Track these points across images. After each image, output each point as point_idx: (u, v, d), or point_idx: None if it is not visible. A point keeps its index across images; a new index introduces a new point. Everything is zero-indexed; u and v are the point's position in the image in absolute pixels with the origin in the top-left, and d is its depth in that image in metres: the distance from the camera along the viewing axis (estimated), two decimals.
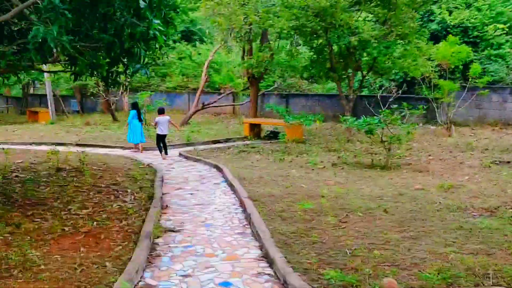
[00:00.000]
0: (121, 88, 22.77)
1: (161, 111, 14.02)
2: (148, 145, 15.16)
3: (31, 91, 35.39)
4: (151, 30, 6.65)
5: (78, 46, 6.31)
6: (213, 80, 27.08)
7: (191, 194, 8.86)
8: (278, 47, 14.52)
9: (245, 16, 13.63)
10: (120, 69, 8.18)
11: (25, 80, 30.37)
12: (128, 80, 7.58)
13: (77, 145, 16.33)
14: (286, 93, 24.80)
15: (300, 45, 19.00)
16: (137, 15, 6.43)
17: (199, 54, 30.61)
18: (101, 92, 22.76)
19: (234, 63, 27.80)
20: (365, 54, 15.86)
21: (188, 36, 36.60)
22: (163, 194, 8.80)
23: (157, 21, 6.57)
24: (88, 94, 26.58)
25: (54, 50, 6.22)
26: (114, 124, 22.90)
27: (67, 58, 7.75)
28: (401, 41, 15.80)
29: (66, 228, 6.40)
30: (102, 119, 24.83)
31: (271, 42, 16.93)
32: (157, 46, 7.71)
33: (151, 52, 8.13)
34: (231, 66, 27.15)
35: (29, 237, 5.96)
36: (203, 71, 23.19)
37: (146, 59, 7.80)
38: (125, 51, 7.35)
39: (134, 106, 15.34)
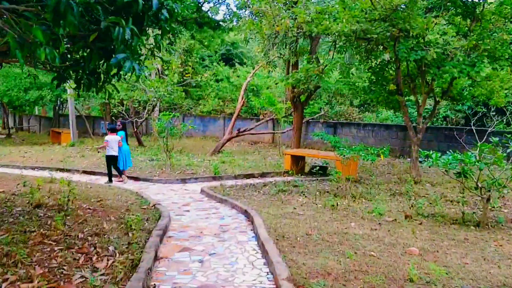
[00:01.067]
0: (145, 109, 20.22)
1: (113, 130, 12.62)
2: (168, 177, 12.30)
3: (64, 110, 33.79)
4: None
5: None
6: (252, 105, 24.29)
7: (201, 262, 5.76)
8: (331, 61, 11.40)
9: (293, 17, 10.69)
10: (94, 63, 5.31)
11: (53, 98, 28.69)
12: (112, 81, 5.05)
13: (83, 172, 13.71)
14: (334, 121, 21.59)
15: (350, 64, 15.93)
16: None
17: (238, 76, 28.02)
18: (123, 112, 20.26)
19: (276, 85, 24.99)
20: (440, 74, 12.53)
21: (228, 59, 34.31)
22: (157, 259, 5.78)
23: None
24: (115, 114, 24.20)
25: None
26: (138, 149, 20.32)
27: None
28: (487, 59, 12.43)
29: None
30: (128, 144, 22.32)
31: (319, 57, 13.89)
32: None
33: (145, 38, 5.27)
34: (272, 88, 24.32)
35: None
36: (240, 94, 20.43)
37: (137, 47, 4.94)
38: (100, 31, 4.54)
39: (124, 127, 13.28)
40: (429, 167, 13.12)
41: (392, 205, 9.52)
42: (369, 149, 10.25)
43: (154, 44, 5.72)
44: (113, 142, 12.25)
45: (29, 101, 23.23)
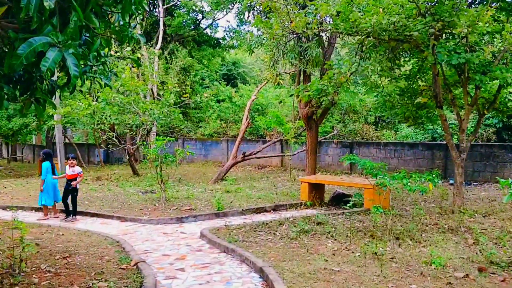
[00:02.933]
0: (139, 134, 18.08)
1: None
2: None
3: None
4: None
5: None
6: (257, 126, 22.14)
7: None
8: (357, 68, 9.16)
9: (312, 12, 8.50)
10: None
11: (44, 125, 26.74)
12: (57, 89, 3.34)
13: (61, 211, 11.49)
14: (349, 141, 19.36)
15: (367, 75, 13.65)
16: None
17: (241, 96, 25.95)
18: (113, 139, 18.09)
19: (280, 104, 22.90)
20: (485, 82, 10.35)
21: (230, 79, 32.40)
22: None
23: None
24: (108, 142, 22.07)
25: None
26: (132, 179, 18.13)
27: None
28: None
29: None
30: (122, 173, 20.18)
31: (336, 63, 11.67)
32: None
33: (103, 26, 3.14)
34: (278, 106, 22.21)
35: None
36: (245, 114, 18.31)
37: (74, 27, 2.81)
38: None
39: (48, 156, 11.10)
40: (456, 193, 11.05)
41: (450, 250, 7.26)
42: (413, 176, 8.00)
43: (113, 28, 3.56)
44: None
45: (13, 129, 21.14)
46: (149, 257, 7.23)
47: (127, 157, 19.62)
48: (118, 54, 13.54)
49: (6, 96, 3.40)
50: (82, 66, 3.58)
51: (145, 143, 17.47)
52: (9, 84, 3.40)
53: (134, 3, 3.28)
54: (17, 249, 6.29)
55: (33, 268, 6.26)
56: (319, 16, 8.60)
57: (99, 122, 17.99)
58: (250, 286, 5.80)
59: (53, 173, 11.01)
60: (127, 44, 5.81)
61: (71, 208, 10.73)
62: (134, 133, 18.84)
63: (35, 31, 3.38)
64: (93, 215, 10.96)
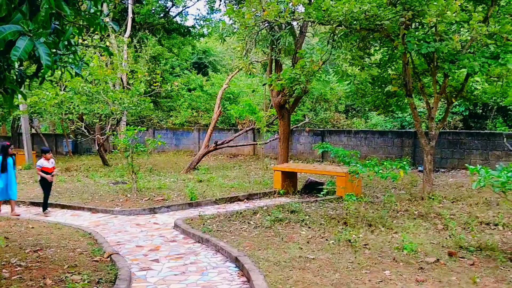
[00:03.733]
0: (108, 123, 17.75)
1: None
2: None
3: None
4: None
5: None
6: (229, 114, 22.05)
7: None
8: (330, 57, 9.21)
9: (284, 1, 8.46)
10: None
11: (10, 115, 25.96)
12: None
13: (31, 203, 11.24)
14: (321, 129, 19.51)
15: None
16: None
17: (212, 84, 25.74)
18: (82, 129, 17.71)
19: (253, 92, 22.86)
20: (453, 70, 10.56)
21: (200, 67, 32.08)
22: None
23: None
24: (77, 132, 21.57)
25: None
26: (102, 169, 17.82)
27: None
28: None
29: None
30: (92, 163, 19.81)
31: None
32: None
33: (73, 14, 3.02)
34: (250, 95, 22.16)
35: None
36: (216, 103, 18.19)
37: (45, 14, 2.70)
38: None
39: (2, 150, 10.09)
40: (425, 179, 11.33)
41: (421, 235, 7.44)
42: (385, 163, 8.14)
43: (84, 16, 3.44)
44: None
45: None
46: (122, 249, 7.14)
47: (97, 148, 19.26)
48: (86, 42, 13.17)
49: None
50: (53, 55, 3.46)
51: (115, 133, 17.16)
52: None
53: None
54: None
55: (2, 263, 6.09)
56: (291, 5, 8.59)
57: (67, 112, 17.57)
58: (226, 276, 5.81)
59: (3, 169, 9.96)
60: (96, 33, 5.65)
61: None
62: (104, 123, 18.48)
63: (2, 19, 3.25)
64: (63, 207, 10.75)
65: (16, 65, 3.97)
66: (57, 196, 11.83)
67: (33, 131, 26.62)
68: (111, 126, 17.78)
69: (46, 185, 10.29)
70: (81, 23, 3.29)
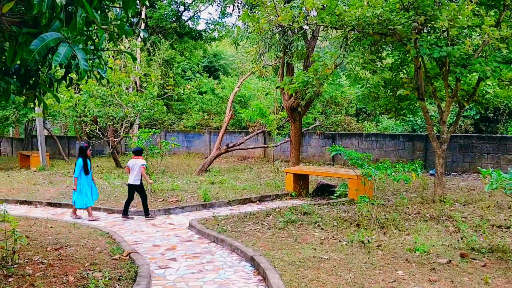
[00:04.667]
0: (122, 126, 18.00)
1: (137, 153, 10.17)
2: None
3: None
4: None
5: None
6: (240, 117, 22.25)
7: None
8: (344, 60, 9.39)
9: (298, 6, 8.63)
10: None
11: (24, 118, 26.34)
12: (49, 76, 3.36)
13: (48, 204, 11.47)
14: (331, 132, 19.63)
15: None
16: None
17: (223, 88, 25.96)
18: (96, 131, 18.00)
19: (266, 96, 23.01)
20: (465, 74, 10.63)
21: (211, 71, 32.33)
22: None
23: None
24: (91, 134, 21.83)
25: None
26: (115, 171, 18.07)
27: None
28: None
29: None
30: (105, 165, 20.08)
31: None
32: None
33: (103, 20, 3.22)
34: (261, 98, 22.32)
35: None
36: (228, 106, 18.38)
37: (81, 23, 2.88)
38: None
39: (82, 152, 9.99)
40: (437, 182, 11.38)
41: (433, 237, 7.54)
42: (397, 166, 8.25)
43: (113, 22, 3.62)
44: (131, 167, 9.83)
45: None
46: (139, 248, 7.32)
47: (109, 150, 19.51)
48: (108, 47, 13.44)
49: (3, 89, 3.44)
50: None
51: (129, 135, 17.41)
52: (14, 77, 3.45)
53: None
54: (7, 241, 6.32)
55: (25, 260, 6.30)
56: (305, 10, 8.74)
57: (81, 115, 17.84)
58: (242, 274, 5.96)
59: (86, 171, 9.87)
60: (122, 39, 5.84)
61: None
62: (118, 125, 18.74)
63: (35, 25, 3.43)
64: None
65: (46, 69, 4.16)
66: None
67: (47, 133, 26.98)
68: (124, 129, 18.02)
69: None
70: (112, 30, 3.47)
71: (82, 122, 18.87)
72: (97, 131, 18.00)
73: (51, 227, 8.63)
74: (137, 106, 17.31)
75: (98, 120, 19.04)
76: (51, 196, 12.31)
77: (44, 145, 20.47)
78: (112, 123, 18.47)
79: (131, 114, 17.57)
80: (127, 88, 20.29)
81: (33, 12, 2.51)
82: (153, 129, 12.78)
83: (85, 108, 17.58)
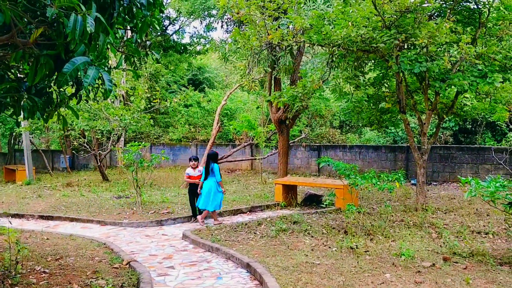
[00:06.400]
0: (110, 139, 18.17)
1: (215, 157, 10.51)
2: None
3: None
4: None
5: None
6: (226, 130, 22.59)
7: None
8: (329, 76, 9.88)
9: (286, 24, 9.09)
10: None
11: (6, 132, 26.31)
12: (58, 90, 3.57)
13: (40, 217, 11.60)
14: (317, 144, 20.11)
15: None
16: None
17: (209, 101, 26.30)
18: (84, 145, 18.15)
19: (257, 108, 23.39)
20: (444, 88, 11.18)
21: (196, 84, 32.67)
22: None
23: None
24: (75, 148, 21.92)
25: None
26: (103, 185, 18.18)
27: None
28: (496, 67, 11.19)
29: None
30: (91, 179, 20.15)
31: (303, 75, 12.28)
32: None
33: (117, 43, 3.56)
34: (247, 111, 22.71)
35: None
36: (215, 119, 18.70)
37: (104, 49, 3.22)
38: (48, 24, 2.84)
39: (214, 158, 10.50)
40: (419, 192, 11.85)
41: (417, 243, 7.95)
42: (382, 176, 8.69)
43: (127, 44, 3.96)
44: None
45: None
46: (137, 257, 7.55)
47: (96, 163, 19.61)
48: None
49: (28, 107, 3.73)
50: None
51: (115, 148, 17.60)
52: (38, 96, 3.74)
53: (150, 24, 3.69)
54: (8, 252, 6.53)
55: (28, 270, 6.50)
56: (293, 28, 9.18)
57: (69, 129, 17.98)
58: (240, 280, 6.26)
59: (206, 175, 10.30)
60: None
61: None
62: (104, 139, 18.91)
63: (51, 47, 3.75)
64: (71, 219, 11.11)
65: (59, 87, 4.47)
66: (64, 209, 12.20)
67: (33, 147, 26.91)
68: (112, 142, 18.20)
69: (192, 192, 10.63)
70: (126, 52, 3.79)
71: (69, 136, 18.99)
72: (85, 144, 18.12)
73: (47, 239, 8.81)
74: (124, 120, 17.52)
75: (86, 133, 19.18)
76: (42, 209, 12.42)
77: (31, 159, 20.47)
78: (101, 136, 18.63)
79: (118, 127, 17.78)
80: (112, 102, 20.49)
81: (66, 39, 2.83)
82: (142, 142, 13.03)
83: (72, 122, 17.74)
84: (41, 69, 3.57)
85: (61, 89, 4.59)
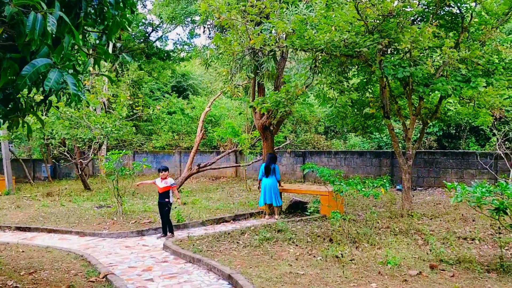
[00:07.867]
0: (91, 147, 17.81)
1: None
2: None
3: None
4: None
5: None
6: (210, 137, 22.35)
7: None
8: (312, 82, 9.74)
9: (269, 29, 8.94)
10: None
11: None
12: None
13: (17, 228, 11.22)
14: (302, 150, 19.97)
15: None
16: None
17: (193, 108, 26.05)
18: (65, 154, 17.74)
19: (240, 115, 23.21)
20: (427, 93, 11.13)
21: (180, 91, 32.40)
22: None
23: None
24: (58, 156, 21.45)
25: None
26: (84, 194, 17.77)
27: None
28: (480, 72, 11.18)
29: None
30: (73, 188, 19.70)
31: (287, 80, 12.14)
32: None
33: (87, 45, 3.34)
34: (231, 118, 22.52)
35: None
36: (199, 126, 18.45)
37: (69, 51, 3.00)
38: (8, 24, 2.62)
39: (274, 160, 12.04)
40: (404, 197, 11.77)
41: (403, 250, 7.81)
42: (366, 182, 8.54)
43: (95, 47, 3.74)
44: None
45: None
46: (115, 270, 7.27)
47: (77, 172, 19.20)
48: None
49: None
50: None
51: (97, 157, 17.24)
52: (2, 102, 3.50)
53: (119, 25, 3.49)
54: None
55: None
56: (276, 33, 9.04)
57: (49, 137, 17.57)
58: None
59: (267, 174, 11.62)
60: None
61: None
62: (86, 147, 18.52)
63: (16, 50, 3.51)
64: (50, 231, 10.75)
65: (26, 93, 4.22)
66: (42, 220, 11.83)
67: (12, 156, 26.32)
68: (93, 150, 17.83)
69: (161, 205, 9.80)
70: (96, 55, 3.59)
71: (50, 145, 18.57)
72: (65, 153, 17.72)
73: (23, 251, 8.47)
74: (105, 128, 17.19)
75: (66, 142, 18.77)
76: (20, 220, 12.03)
77: (10, 168, 19.96)
78: (82, 144, 18.25)
79: (99, 135, 17.43)
80: (94, 109, 20.13)
81: (25, 39, 2.62)
82: (123, 150, 12.73)
83: (52, 130, 17.35)
84: (5, 74, 3.34)
85: (29, 95, 4.35)
